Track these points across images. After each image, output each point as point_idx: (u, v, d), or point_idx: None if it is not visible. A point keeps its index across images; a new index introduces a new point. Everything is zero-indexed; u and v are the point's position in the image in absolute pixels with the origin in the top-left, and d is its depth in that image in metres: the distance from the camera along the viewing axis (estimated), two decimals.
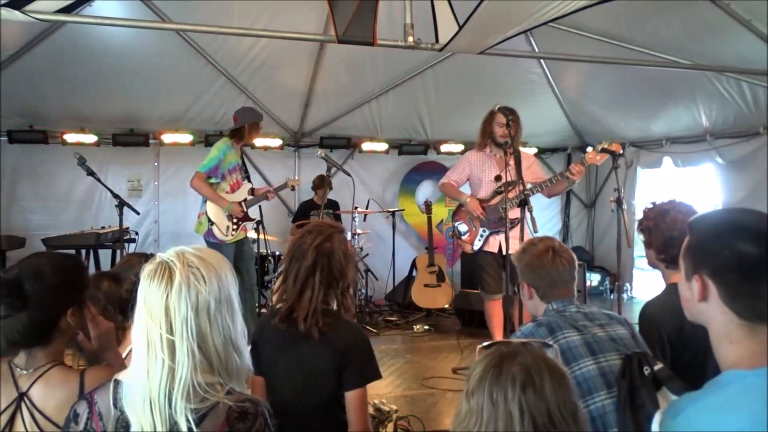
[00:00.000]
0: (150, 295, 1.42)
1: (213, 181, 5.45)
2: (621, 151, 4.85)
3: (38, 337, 1.70)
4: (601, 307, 2.63)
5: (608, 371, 2.04)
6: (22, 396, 1.67)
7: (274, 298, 2.35)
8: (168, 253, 1.48)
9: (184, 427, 1.39)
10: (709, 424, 1.17)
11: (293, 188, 6.09)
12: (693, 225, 1.38)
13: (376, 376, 2.29)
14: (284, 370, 2.26)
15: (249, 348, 2.24)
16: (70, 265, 1.83)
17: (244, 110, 5.66)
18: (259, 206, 5.82)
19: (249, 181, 5.84)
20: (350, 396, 2.22)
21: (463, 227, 5.18)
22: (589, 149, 4.86)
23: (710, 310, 1.30)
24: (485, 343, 1.39)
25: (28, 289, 1.67)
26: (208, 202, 5.48)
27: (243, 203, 5.60)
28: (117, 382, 1.49)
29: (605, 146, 4.67)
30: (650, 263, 2.55)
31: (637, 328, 2.32)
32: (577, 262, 2.38)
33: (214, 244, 5.43)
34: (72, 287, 1.77)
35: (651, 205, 2.52)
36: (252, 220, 5.71)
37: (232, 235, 5.50)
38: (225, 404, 1.43)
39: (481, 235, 5.05)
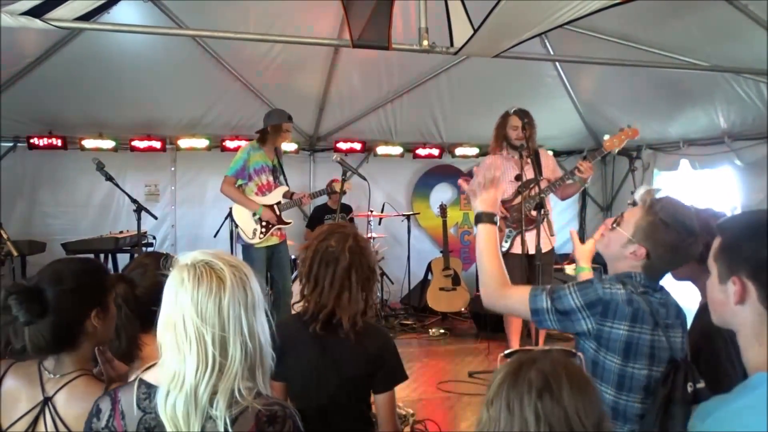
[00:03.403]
0: (200, 298, 1.43)
1: (240, 183, 5.47)
2: (638, 136, 4.80)
3: (65, 342, 1.72)
4: None
5: (653, 380, 1.93)
6: (47, 400, 1.68)
7: (306, 304, 2.30)
8: (198, 255, 1.49)
9: (221, 428, 1.41)
10: (740, 426, 1.16)
11: (345, 192, 5.84)
12: (723, 227, 1.37)
13: (404, 377, 2.36)
14: (315, 376, 2.25)
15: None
16: (90, 269, 1.85)
17: (268, 113, 5.65)
18: None
19: (286, 184, 5.77)
20: (381, 398, 2.29)
21: None
22: (606, 137, 4.80)
23: (745, 312, 1.28)
24: (507, 351, 1.38)
25: (48, 295, 1.68)
26: (235, 205, 5.51)
27: (276, 206, 5.55)
28: (141, 383, 1.50)
29: (621, 130, 4.66)
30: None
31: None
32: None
33: (244, 246, 5.51)
34: (93, 289, 1.78)
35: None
36: (287, 223, 5.63)
37: (260, 239, 5.44)
38: (254, 408, 1.44)
39: (508, 236, 5.01)
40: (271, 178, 5.57)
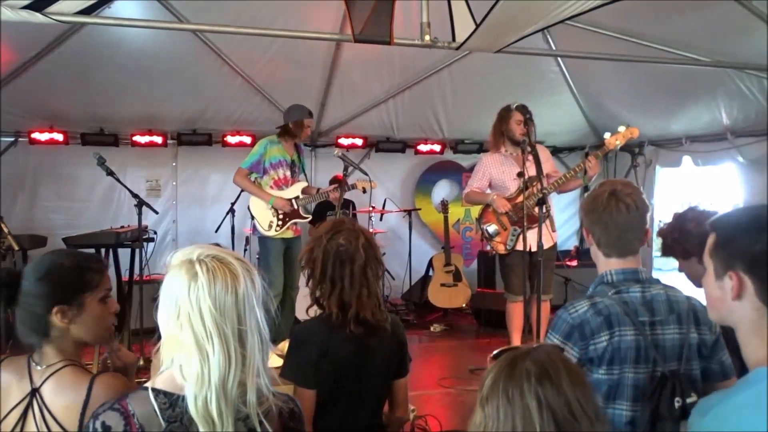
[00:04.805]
0: (218, 293, 1.42)
1: (254, 176, 5.46)
2: (637, 135, 4.79)
3: (37, 332, 1.73)
4: None
5: (642, 384, 1.87)
6: (34, 392, 1.68)
7: (327, 308, 2.27)
8: (204, 251, 1.48)
9: (258, 427, 1.43)
10: (739, 423, 1.16)
11: (364, 190, 5.73)
12: (717, 223, 1.37)
13: (410, 359, 2.47)
14: (356, 373, 2.25)
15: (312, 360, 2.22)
16: (69, 266, 1.78)
17: (289, 109, 5.61)
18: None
19: (306, 180, 5.71)
20: (403, 382, 2.41)
21: (492, 228, 5.09)
22: (607, 135, 4.79)
23: (743, 307, 1.28)
24: (495, 352, 1.36)
25: (22, 285, 1.73)
26: (251, 197, 5.50)
27: (294, 201, 5.50)
28: (158, 392, 1.44)
29: (621, 130, 4.67)
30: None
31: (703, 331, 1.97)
32: (646, 212, 2.03)
33: (260, 238, 5.50)
34: (60, 286, 1.74)
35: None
36: (304, 218, 5.58)
37: (276, 231, 5.42)
38: (277, 405, 1.49)
39: (513, 234, 5.00)
40: (288, 173, 5.53)
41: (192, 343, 1.41)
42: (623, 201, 1.98)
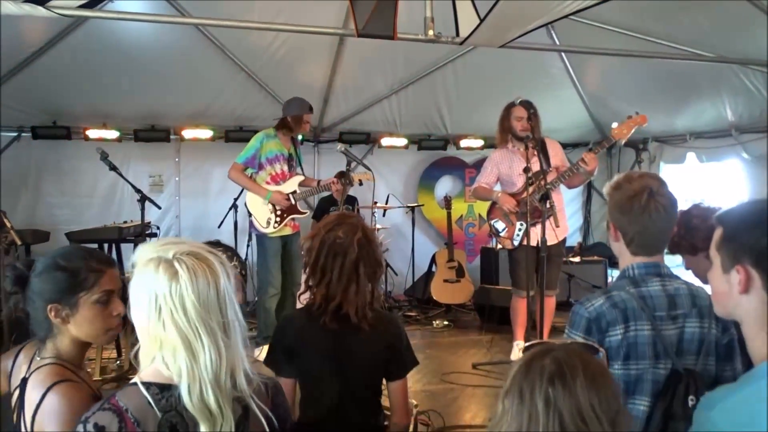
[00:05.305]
0: (201, 289, 1.44)
1: (249, 171, 5.38)
2: (646, 122, 4.75)
3: (40, 327, 1.74)
4: None
5: (661, 379, 1.85)
6: (24, 381, 1.71)
7: (312, 296, 2.27)
8: (180, 248, 1.48)
9: (253, 406, 1.50)
10: (746, 417, 1.16)
11: (361, 183, 5.65)
12: (724, 217, 1.37)
13: (415, 363, 2.40)
14: (330, 369, 2.24)
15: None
16: (58, 264, 1.75)
17: (288, 102, 5.53)
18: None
19: (303, 173, 5.66)
20: (395, 386, 2.34)
21: (500, 225, 5.10)
22: (614, 125, 4.75)
23: (750, 301, 1.28)
24: (526, 344, 1.37)
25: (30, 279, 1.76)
26: (248, 193, 5.43)
27: (292, 195, 5.41)
28: (149, 385, 1.43)
29: (629, 118, 4.62)
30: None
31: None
32: (676, 210, 1.99)
33: (258, 236, 5.42)
34: (51, 285, 1.73)
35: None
36: (302, 213, 5.50)
37: (275, 228, 5.34)
38: (263, 382, 1.57)
39: (519, 229, 4.99)
40: (286, 168, 5.45)
41: (176, 339, 1.42)
42: (660, 202, 1.92)
